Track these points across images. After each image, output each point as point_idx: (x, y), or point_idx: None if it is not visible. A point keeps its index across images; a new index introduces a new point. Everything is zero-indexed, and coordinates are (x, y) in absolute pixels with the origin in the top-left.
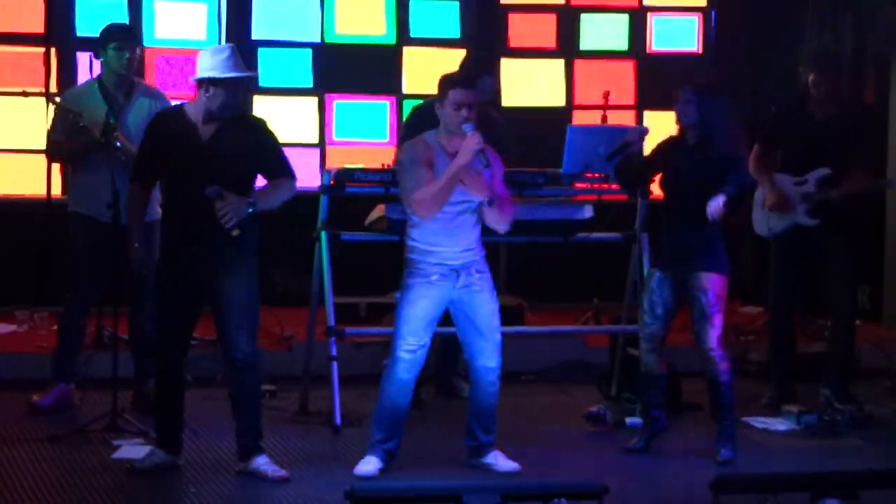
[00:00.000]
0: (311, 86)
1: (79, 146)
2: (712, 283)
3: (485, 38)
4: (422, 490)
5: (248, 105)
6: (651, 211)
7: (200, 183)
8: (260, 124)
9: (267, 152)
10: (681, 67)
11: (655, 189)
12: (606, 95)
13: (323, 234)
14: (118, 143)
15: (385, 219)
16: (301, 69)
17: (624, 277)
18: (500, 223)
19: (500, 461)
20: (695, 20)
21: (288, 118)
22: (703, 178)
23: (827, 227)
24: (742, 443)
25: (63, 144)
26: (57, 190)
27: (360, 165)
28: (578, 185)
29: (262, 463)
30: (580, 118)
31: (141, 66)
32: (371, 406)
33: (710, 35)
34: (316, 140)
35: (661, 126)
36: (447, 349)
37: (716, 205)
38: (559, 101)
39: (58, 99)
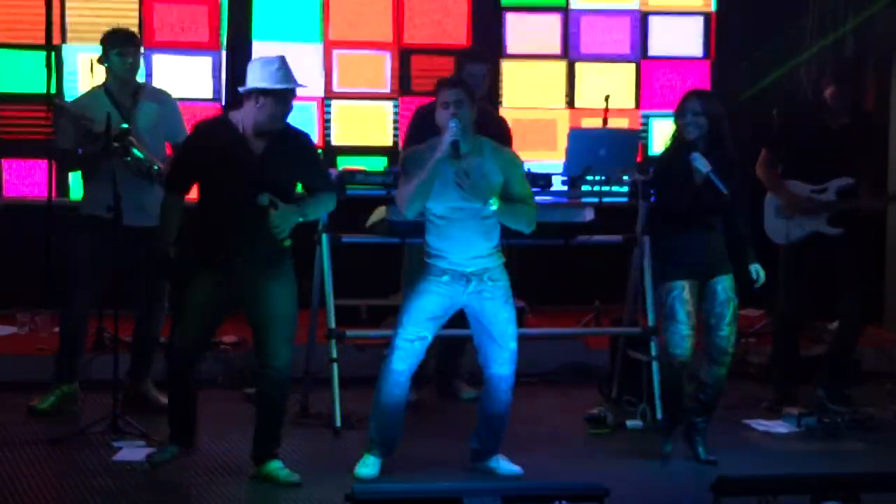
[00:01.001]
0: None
1: (94, 154)
2: (734, 285)
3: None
4: (422, 492)
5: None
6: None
7: (250, 195)
8: (304, 137)
9: (312, 166)
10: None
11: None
12: (607, 98)
13: (324, 237)
14: (136, 151)
15: (386, 221)
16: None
17: (625, 280)
18: (517, 225)
19: (502, 465)
20: (697, 22)
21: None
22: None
23: (849, 236)
24: (743, 445)
25: (77, 152)
26: (59, 193)
27: (362, 168)
28: (579, 187)
29: (277, 467)
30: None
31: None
32: (370, 408)
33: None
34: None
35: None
36: (448, 351)
37: (760, 274)
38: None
39: (64, 105)
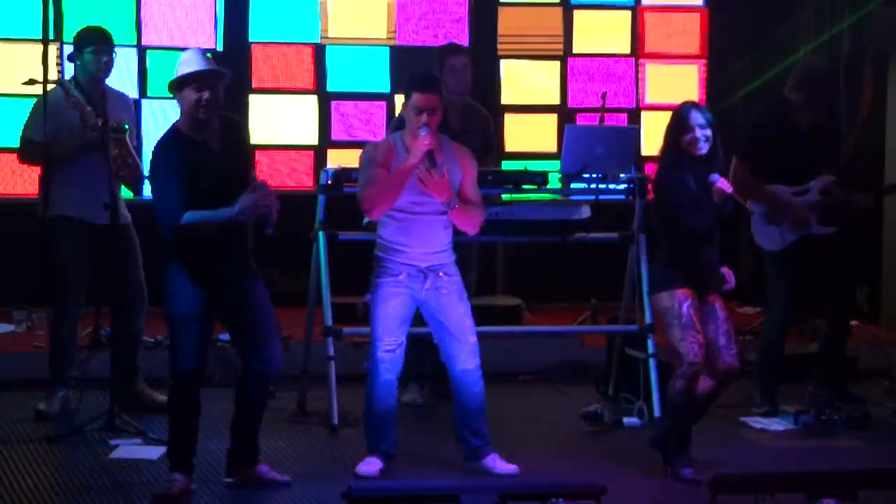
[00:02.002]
0: (311, 85)
1: (84, 144)
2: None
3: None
4: (419, 490)
5: (245, 105)
6: (647, 212)
7: (221, 192)
8: (241, 123)
9: (250, 151)
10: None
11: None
12: (604, 96)
13: (321, 234)
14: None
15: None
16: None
17: (621, 277)
18: (466, 226)
19: (497, 464)
20: (693, 20)
21: (286, 118)
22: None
23: (839, 232)
24: (740, 443)
25: (42, 144)
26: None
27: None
28: (576, 185)
29: (265, 470)
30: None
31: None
32: None
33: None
34: (314, 141)
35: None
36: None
37: (724, 183)
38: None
39: (64, 86)
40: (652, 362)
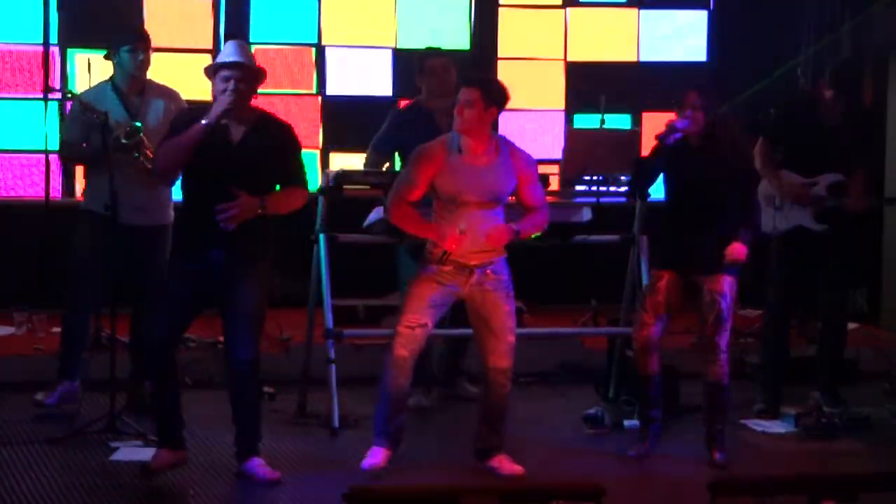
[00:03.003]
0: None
1: (105, 148)
2: (729, 285)
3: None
4: (420, 491)
5: None
6: (649, 213)
7: (225, 184)
8: (286, 128)
9: (289, 158)
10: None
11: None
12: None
13: (321, 236)
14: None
15: (384, 221)
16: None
17: (622, 279)
18: (534, 231)
19: (504, 465)
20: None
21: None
22: (714, 178)
23: (833, 234)
24: (740, 445)
25: (82, 146)
26: (55, 192)
27: (359, 168)
28: (577, 187)
29: (255, 465)
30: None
31: None
32: (369, 408)
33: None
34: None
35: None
36: (452, 352)
37: (736, 253)
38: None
39: (80, 97)
40: None
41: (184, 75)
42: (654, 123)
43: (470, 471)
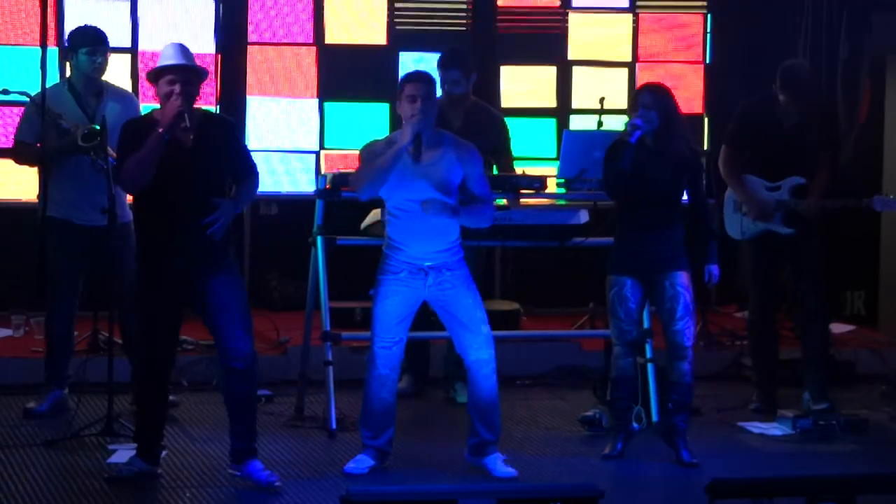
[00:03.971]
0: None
1: (61, 149)
2: (689, 281)
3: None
4: (417, 494)
5: (242, 107)
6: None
7: (185, 188)
8: (228, 122)
9: (239, 152)
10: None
11: None
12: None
13: (319, 239)
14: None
15: (381, 223)
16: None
17: None
18: (472, 223)
19: (498, 466)
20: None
21: (285, 122)
22: (670, 177)
23: (800, 236)
24: (738, 447)
25: (35, 146)
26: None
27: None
28: (574, 189)
29: (255, 468)
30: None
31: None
32: None
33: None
34: (313, 145)
35: None
36: (450, 355)
37: (713, 275)
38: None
39: (34, 99)
40: (650, 367)
41: None
42: None
43: (466, 473)
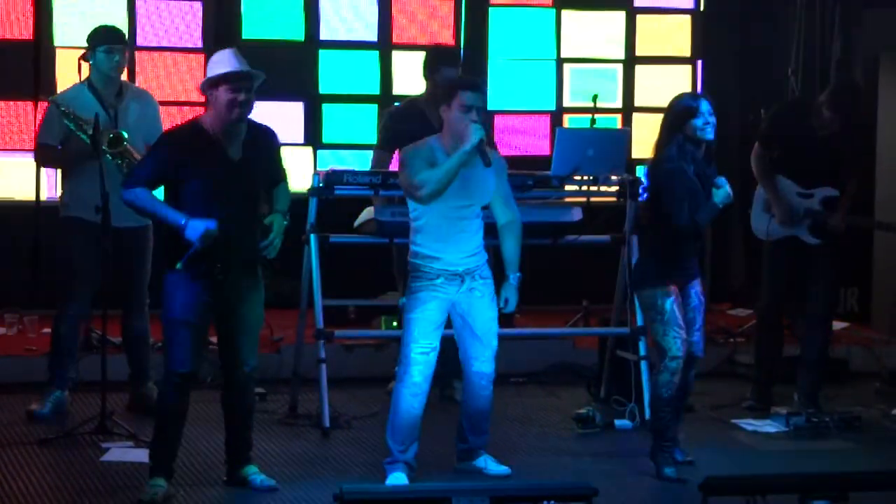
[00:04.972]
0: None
1: (81, 152)
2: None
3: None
4: (411, 492)
5: None
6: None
7: (231, 203)
8: (271, 134)
9: (278, 163)
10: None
11: None
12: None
13: (312, 237)
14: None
15: (374, 221)
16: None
17: (613, 280)
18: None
19: (490, 465)
20: (684, 22)
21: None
22: (707, 189)
23: (826, 248)
24: (731, 445)
25: (57, 149)
26: (46, 193)
27: (350, 168)
28: (567, 187)
29: (253, 473)
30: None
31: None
32: (359, 408)
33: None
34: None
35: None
36: (447, 354)
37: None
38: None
39: (57, 102)
40: (643, 364)
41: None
42: (644, 123)
43: (459, 470)
